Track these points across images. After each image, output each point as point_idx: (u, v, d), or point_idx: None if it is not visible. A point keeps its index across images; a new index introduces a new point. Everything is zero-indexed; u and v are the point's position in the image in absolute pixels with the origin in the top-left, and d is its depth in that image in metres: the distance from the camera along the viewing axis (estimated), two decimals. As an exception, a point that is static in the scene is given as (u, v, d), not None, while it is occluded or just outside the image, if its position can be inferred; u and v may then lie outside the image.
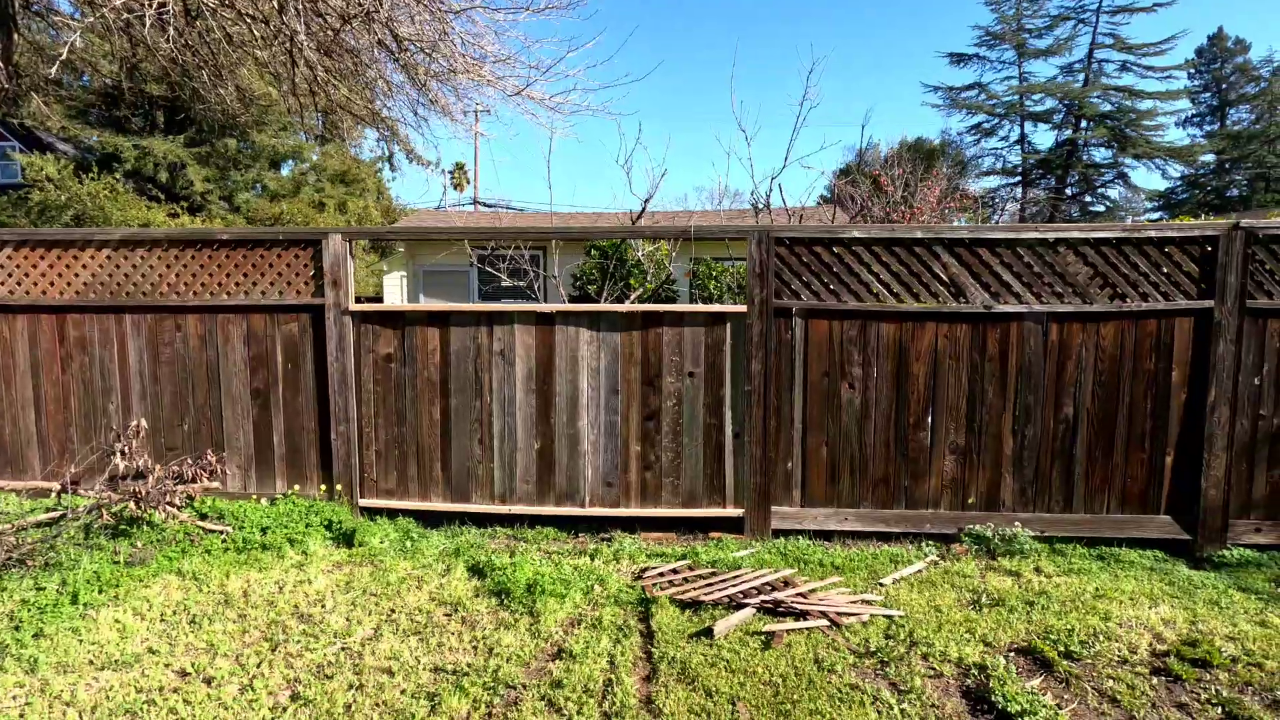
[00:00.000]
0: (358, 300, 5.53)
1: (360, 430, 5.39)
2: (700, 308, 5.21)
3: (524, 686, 3.33)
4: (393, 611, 4.07)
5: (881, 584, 4.51)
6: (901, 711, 3.14)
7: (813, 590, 4.30)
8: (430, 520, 5.48)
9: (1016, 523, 5.10)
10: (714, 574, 4.56)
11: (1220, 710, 3.19)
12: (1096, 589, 4.42)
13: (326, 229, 5.36)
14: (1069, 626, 3.90)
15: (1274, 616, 4.04)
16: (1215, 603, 4.27)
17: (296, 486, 5.45)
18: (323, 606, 4.12)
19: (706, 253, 12.55)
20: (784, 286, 5.12)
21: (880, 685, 3.36)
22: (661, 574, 4.60)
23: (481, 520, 5.48)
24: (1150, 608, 4.19)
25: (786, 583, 4.40)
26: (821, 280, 5.10)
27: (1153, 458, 5.02)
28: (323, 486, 5.43)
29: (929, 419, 5.13)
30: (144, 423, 5.11)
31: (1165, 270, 4.88)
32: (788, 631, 3.82)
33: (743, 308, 5.14)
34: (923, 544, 5.16)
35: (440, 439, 5.36)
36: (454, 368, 5.31)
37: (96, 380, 5.47)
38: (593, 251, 12.76)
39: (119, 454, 4.78)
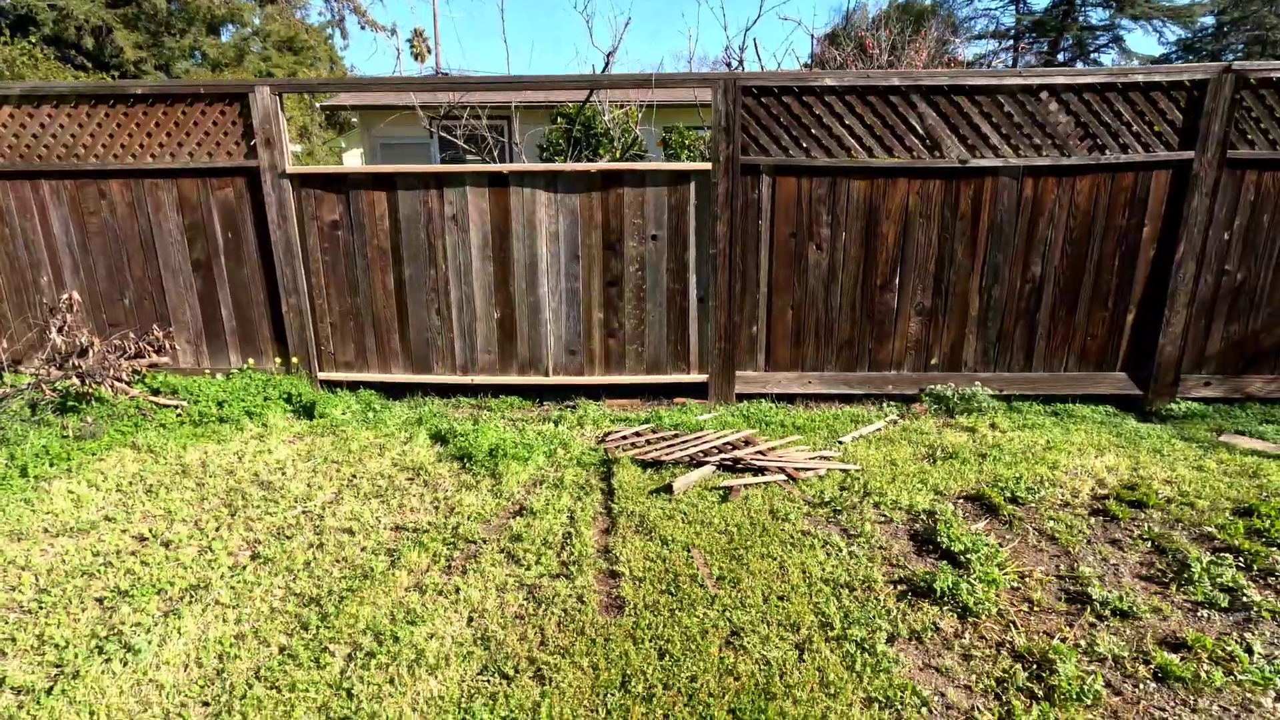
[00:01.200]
0: (297, 163, 5.13)
1: (312, 302, 5.19)
2: (663, 165, 4.93)
3: (484, 541, 3.38)
4: (354, 477, 4.08)
5: (841, 442, 4.59)
6: (850, 554, 3.25)
7: (773, 449, 4.36)
8: (393, 392, 5.42)
9: (977, 382, 5.16)
10: (676, 436, 4.59)
11: (1150, 545, 3.35)
12: (1048, 441, 4.54)
13: (253, 81, 4.88)
14: (1017, 475, 4.02)
15: (1210, 462, 4.20)
16: (1158, 451, 4.41)
17: (251, 361, 5.30)
18: (283, 474, 4.10)
19: (679, 120, 11.92)
20: (751, 142, 4.83)
21: (831, 531, 3.46)
22: (624, 437, 4.63)
23: (445, 391, 5.43)
24: (1096, 457, 4.33)
25: (747, 442, 4.46)
26: (791, 134, 4.80)
27: (1115, 316, 5.03)
28: (278, 360, 5.30)
29: (896, 281, 5.04)
30: (78, 296, 4.85)
31: (1148, 119, 4.65)
32: (745, 486, 3.90)
33: (707, 165, 4.86)
34: (884, 405, 5.23)
35: (396, 309, 5.19)
36: (405, 234, 5.05)
37: (22, 254, 5.13)
38: (558, 119, 12.04)
39: (55, 329, 4.55)
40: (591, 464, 4.26)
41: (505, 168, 4.93)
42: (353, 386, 5.38)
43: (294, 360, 5.25)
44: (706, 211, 4.93)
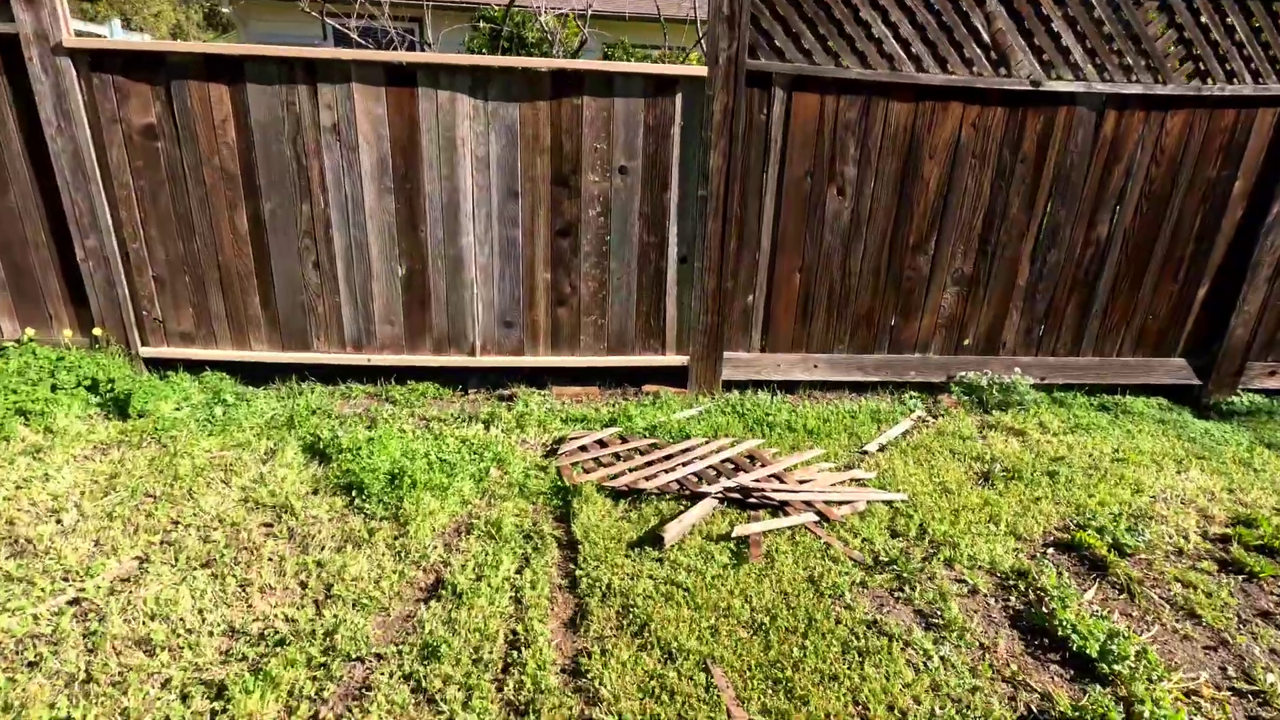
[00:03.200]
0: (81, 36, 3.40)
1: (123, 245, 3.56)
2: (639, 67, 3.52)
3: (377, 660, 2.10)
4: (176, 525, 2.66)
5: (866, 451, 3.51)
6: (944, 662, 2.18)
7: (788, 469, 3.22)
8: (256, 375, 3.91)
9: (1016, 369, 4.18)
10: (654, 445, 3.38)
11: (1327, 626, 2.45)
12: (1115, 450, 3.62)
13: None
14: (1103, 505, 3.08)
15: (1324, 483, 3.38)
16: (1247, 464, 3.57)
17: (31, 330, 3.66)
18: (59, 523, 2.64)
19: (627, 35, 10.25)
20: (762, 40, 3.49)
21: (904, 616, 2.38)
22: (584, 447, 3.37)
23: (331, 375, 3.97)
24: (1179, 473, 3.44)
25: (752, 457, 3.30)
26: (817, 31, 3.49)
27: (1184, 290, 4.11)
28: (72, 330, 3.68)
29: (934, 239, 3.91)
30: None
31: (1264, 37, 3.61)
32: (765, 534, 2.75)
33: (701, 70, 3.50)
34: (904, 395, 4.18)
35: (254, 260, 3.64)
36: (261, 150, 3.46)
37: None
38: (481, 24, 10.11)
39: None
40: (540, 493, 3.00)
41: (410, 58, 3.40)
42: (195, 367, 3.84)
43: (97, 331, 3.64)
44: (695, 138, 3.59)
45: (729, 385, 4.11)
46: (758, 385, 4.15)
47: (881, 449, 3.57)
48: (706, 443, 3.40)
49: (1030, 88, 3.61)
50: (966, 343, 4.16)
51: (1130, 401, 4.22)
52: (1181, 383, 4.27)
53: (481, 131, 3.52)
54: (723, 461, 3.23)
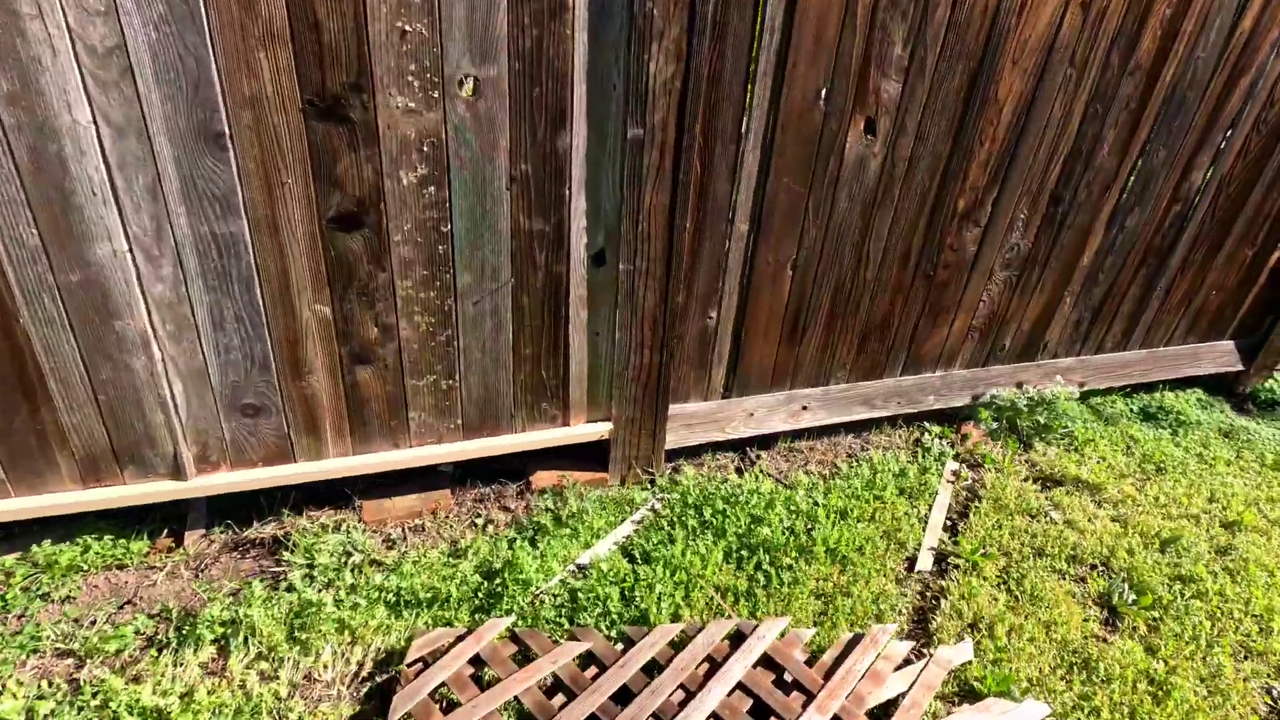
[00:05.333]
0: None
1: None
2: None
3: None
4: None
5: (918, 570, 2.15)
6: None
7: (824, 682, 1.74)
8: None
9: (1057, 376, 2.97)
10: (583, 663, 1.73)
11: None
12: (1214, 501, 2.59)
13: None
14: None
15: None
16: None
17: None
18: None
19: None
20: None
21: None
22: (440, 693, 1.64)
23: None
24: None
25: (775, 665, 1.78)
26: None
27: (1259, 254, 3.04)
28: None
29: (992, 202, 2.42)
30: None
31: None
32: None
33: None
34: (920, 432, 2.84)
35: None
36: None
37: None
38: None
39: None
40: None
41: None
42: None
43: None
44: (620, 17, 1.70)
45: (675, 454, 2.50)
46: (718, 448, 2.58)
47: (939, 561, 2.22)
48: (682, 641, 1.81)
49: (1183, -59, 2.09)
50: (1002, 347, 2.84)
51: (1171, 402, 3.22)
52: (1223, 370, 3.33)
53: (95, -20, 1.37)
54: (732, 693, 1.68)
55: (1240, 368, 3.34)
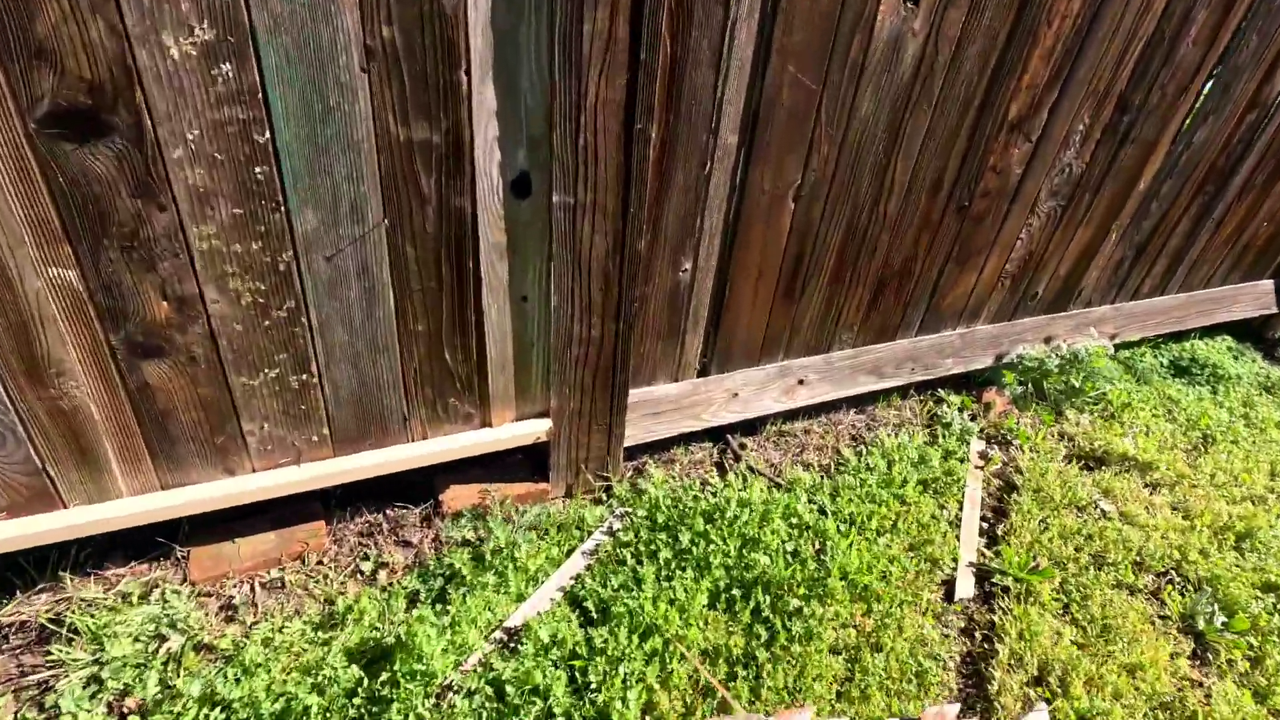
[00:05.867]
0: None
1: None
2: None
3: None
4: None
5: (956, 598, 1.65)
6: None
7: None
8: None
9: (1090, 328, 2.47)
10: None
11: None
12: (1271, 471, 2.19)
13: None
14: None
15: None
16: None
17: None
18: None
19: None
20: None
21: None
22: None
23: None
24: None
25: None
26: None
27: (1320, 179, 2.57)
28: None
29: (1050, 107, 1.82)
30: None
31: None
32: None
33: None
34: (936, 400, 2.31)
35: None
36: None
37: None
38: None
39: None
40: None
41: None
42: None
43: None
44: None
45: (639, 450, 1.90)
46: (692, 438, 1.99)
47: (981, 582, 1.72)
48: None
49: None
50: (1036, 294, 2.31)
51: (1204, 352, 2.79)
52: (1254, 314, 2.91)
53: None
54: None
55: (1275, 309, 2.92)
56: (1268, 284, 2.86)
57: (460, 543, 1.61)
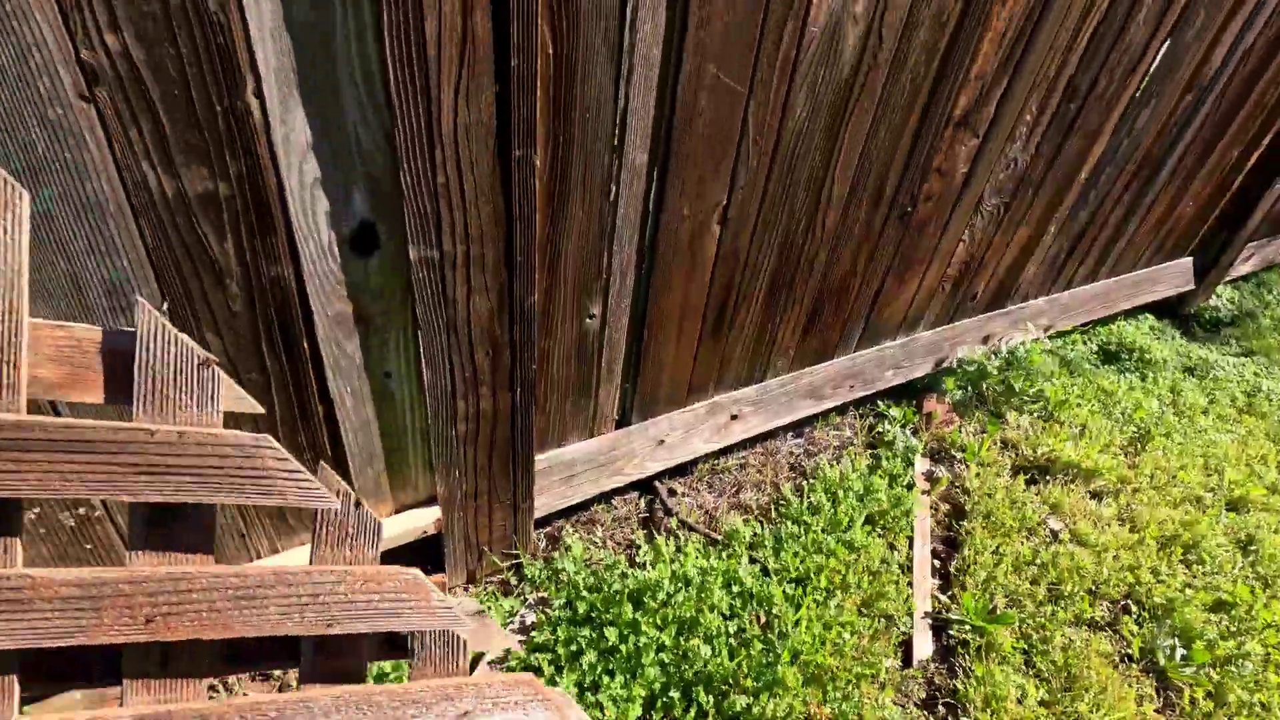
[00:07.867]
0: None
1: None
2: None
3: None
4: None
5: (915, 661, 1.48)
6: None
7: None
8: None
9: (1027, 322, 2.35)
10: None
11: None
12: (1204, 466, 2.14)
13: None
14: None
15: None
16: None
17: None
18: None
19: None
20: None
21: None
22: None
23: None
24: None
25: None
26: None
27: (1241, 156, 2.51)
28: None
29: (998, 99, 1.60)
30: None
31: None
32: None
33: None
34: (876, 415, 2.13)
35: None
36: None
37: None
38: None
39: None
40: None
41: None
42: None
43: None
44: None
45: (553, 517, 1.62)
46: (609, 497, 1.72)
47: (939, 633, 1.56)
48: None
49: None
50: (976, 293, 2.15)
51: (1130, 335, 2.75)
52: (1176, 292, 2.89)
53: None
54: None
55: (1192, 287, 2.91)
56: (1186, 262, 2.82)
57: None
